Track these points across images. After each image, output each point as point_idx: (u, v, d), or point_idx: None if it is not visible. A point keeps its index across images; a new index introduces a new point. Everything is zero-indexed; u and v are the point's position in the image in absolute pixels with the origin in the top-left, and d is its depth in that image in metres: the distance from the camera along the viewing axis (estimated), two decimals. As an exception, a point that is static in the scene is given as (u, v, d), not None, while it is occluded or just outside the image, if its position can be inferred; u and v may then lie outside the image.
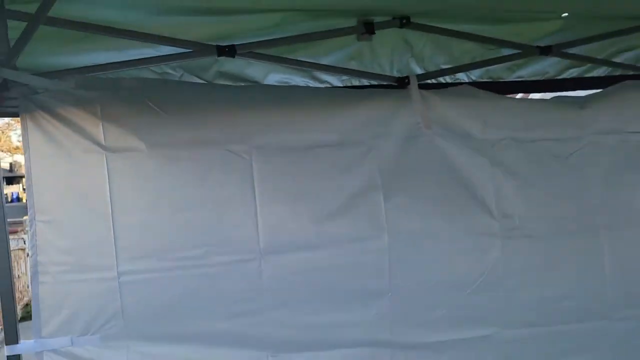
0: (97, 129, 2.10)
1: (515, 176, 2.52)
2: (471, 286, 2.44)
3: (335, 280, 2.35)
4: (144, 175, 2.15)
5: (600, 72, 2.97)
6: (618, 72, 2.97)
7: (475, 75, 2.75)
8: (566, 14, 2.41)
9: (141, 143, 2.14)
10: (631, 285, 2.60)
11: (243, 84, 2.37)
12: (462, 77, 2.72)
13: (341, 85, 2.54)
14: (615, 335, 2.58)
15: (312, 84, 2.48)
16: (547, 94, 2.99)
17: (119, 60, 2.09)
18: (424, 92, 2.46)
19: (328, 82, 2.51)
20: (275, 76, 2.42)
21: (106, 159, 2.12)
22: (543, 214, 2.53)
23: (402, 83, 2.47)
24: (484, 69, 2.70)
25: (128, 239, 2.14)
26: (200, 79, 2.32)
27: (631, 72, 2.95)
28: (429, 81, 2.63)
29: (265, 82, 2.43)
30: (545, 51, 2.58)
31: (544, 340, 2.51)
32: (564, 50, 2.64)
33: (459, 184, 2.46)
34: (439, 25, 2.28)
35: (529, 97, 3.24)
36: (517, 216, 2.50)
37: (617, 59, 2.90)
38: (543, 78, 2.89)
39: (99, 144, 2.11)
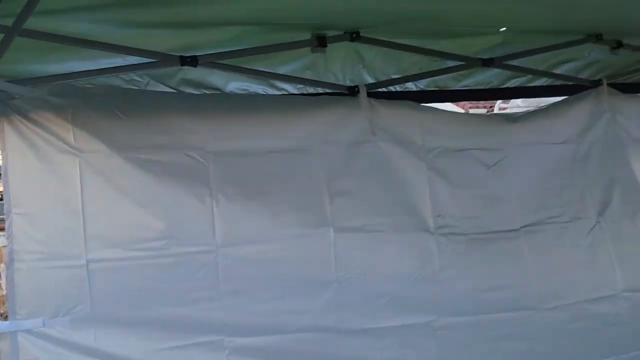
0: (68, 132, 2.33)
1: (448, 180, 2.83)
2: (409, 278, 2.71)
3: (286, 271, 2.60)
4: (110, 174, 2.38)
5: (541, 82, 3.23)
6: (559, 82, 3.25)
7: (422, 84, 2.99)
8: (504, 28, 2.65)
9: (107, 146, 2.37)
10: (554, 278, 2.90)
11: (205, 92, 2.59)
12: (410, 86, 2.97)
13: (297, 92, 2.77)
14: (543, 323, 2.86)
15: (270, 91, 2.72)
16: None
17: (90, 69, 2.30)
18: (372, 100, 2.73)
19: (285, 90, 2.75)
20: (236, 84, 2.64)
21: (76, 159, 2.34)
22: (471, 214, 2.84)
23: (352, 91, 2.71)
24: (431, 78, 2.94)
25: (96, 230, 2.36)
26: (166, 85, 2.53)
27: (571, 83, 3.23)
28: (379, 90, 2.88)
29: (227, 90, 2.65)
30: (488, 63, 2.83)
31: (477, 327, 2.78)
32: (506, 62, 2.89)
33: (399, 186, 2.77)
34: (387, 39, 2.51)
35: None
36: (449, 216, 2.80)
37: (558, 70, 3.16)
38: (487, 87, 3.15)
39: (69, 146, 2.34)
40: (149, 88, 2.51)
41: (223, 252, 2.51)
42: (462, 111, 4.04)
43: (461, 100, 3.15)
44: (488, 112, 6.85)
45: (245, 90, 2.69)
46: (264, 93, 2.73)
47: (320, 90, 2.79)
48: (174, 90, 2.55)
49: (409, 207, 2.77)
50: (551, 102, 3.25)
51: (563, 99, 3.20)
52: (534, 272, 2.88)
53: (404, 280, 2.72)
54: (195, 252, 2.48)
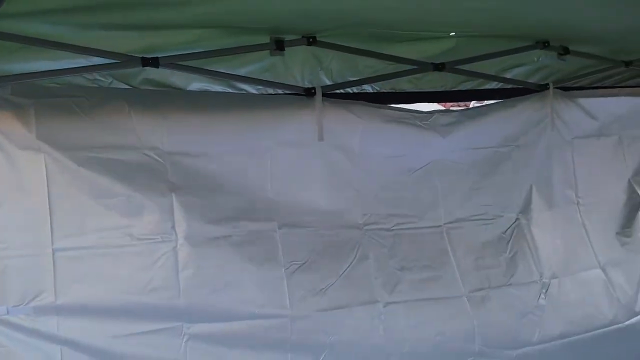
0: (31, 130, 2.43)
1: (377, 184, 3.10)
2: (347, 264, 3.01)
3: (240, 260, 2.79)
4: (73, 169, 2.48)
5: (493, 85, 3.42)
6: (510, 86, 3.44)
7: (379, 86, 3.15)
8: (453, 33, 2.82)
9: (69, 143, 2.48)
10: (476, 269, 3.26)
11: (165, 89, 2.72)
12: (367, 88, 3.13)
13: (256, 92, 2.91)
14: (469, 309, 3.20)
15: (230, 90, 2.84)
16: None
17: (53, 69, 2.39)
18: (327, 102, 2.89)
19: (245, 91, 2.87)
20: (197, 84, 2.77)
21: (41, 154, 2.45)
22: (393, 213, 3.14)
23: (309, 93, 2.86)
24: (386, 81, 3.11)
25: (62, 221, 2.48)
26: (129, 85, 2.64)
27: (521, 86, 3.43)
28: (337, 91, 3.03)
29: (188, 89, 2.77)
30: (439, 67, 2.99)
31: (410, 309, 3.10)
32: (457, 67, 3.07)
33: (335, 187, 3.02)
34: (343, 43, 2.66)
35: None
36: (375, 214, 3.09)
37: (508, 74, 3.35)
38: (442, 89, 3.33)
39: (33, 142, 2.43)
40: (112, 86, 2.62)
41: (182, 243, 2.66)
42: (442, 108, 4.19)
43: (415, 102, 3.29)
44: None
45: (206, 89, 2.82)
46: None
47: (279, 91, 2.92)
48: (134, 88, 2.66)
49: (343, 206, 3.03)
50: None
51: (506, 101, 3.40)
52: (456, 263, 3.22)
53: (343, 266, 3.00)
54: (155, 242, 2.62)
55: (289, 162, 2.90)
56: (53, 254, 2.45)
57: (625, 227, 3.65)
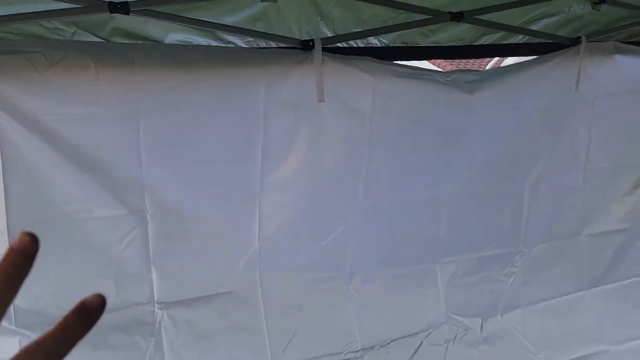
0: None
1: (387, 152, 2.78)
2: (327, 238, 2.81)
3: (211, 235, 2.57)
4: (30, 138, 2.17)
5: (518, 39, 3.07)
6: (536, 40, 3.09)
7: (387, 39, 2.79)
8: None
9: (25, 108, 2.14)
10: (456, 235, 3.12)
11: (138, 42, 2.39)
12: (374, 41, 2.76)
13: (245, 46, 2.58)
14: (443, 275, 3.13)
15: (216, 44, 2.52)
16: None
17: (3, 14, 2.09)
18: (327, 56, 2.52)
19: (233, 43, 2.53)
20: (176, 35, 2.42)
21: None
22: (406, 182, 2.90)
23: (307, 46, 2.52)
24: (396, 33, 2.75)
25: (15, 195, 2.20)
26: (96, 36, 2.32)
27: (549, 41, 3.08)
28: (339, 44, 2.67)
29: (167, 42, 2.44)
30: (457, 17, 2.64)
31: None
32: (477, 17, 2.73)
33: (337, 156, 2.69)
34: (345, -13, 2.34)
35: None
36: (383, 186, 2.82)
37: (535, 27, 3.00)
38: (459, 44, 2.99)
39: None
40: (75, 39, 2.29)
41: (153, 217, 2.42)
42: (437, 69, 3.86)
43: (430, 59, 2.96)
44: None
45: (188, 42, 2.48)
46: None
47: (273, 44, 2.57)
48: (102, 41, 2.34)
49: (342, 180, 2.75)
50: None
51: (533, 59, 3.05)
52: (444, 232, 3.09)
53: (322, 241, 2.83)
54: (122, 215, 2.38)
55: (284, 127, 2.56)
56: (8, 232, 2.18)
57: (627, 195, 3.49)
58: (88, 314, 0.55)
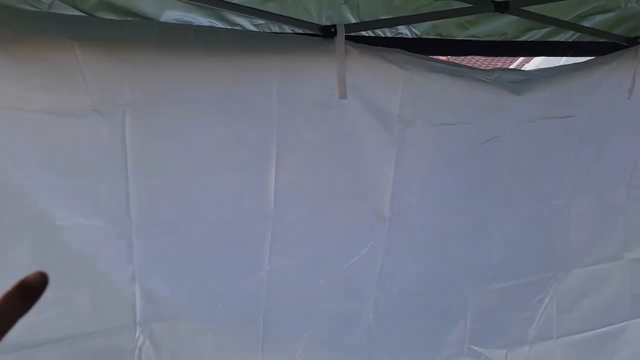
0: None
1: (418, 161, 2.42)
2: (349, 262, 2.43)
3: (212, 256, 2.19)
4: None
5: (566, 36, 2.70)
6: (588, 39, 2.73)
7: (420, 30, 2.43)
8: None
9: None
10: (511, 259, 2.78)
11: (127, 19, 2.00)
12: (404, 31, 2.40)
13: (255, 30, 2.20)
14: (479, 305, 2.77)
15: (220, 25, 2.13)
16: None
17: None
18: (350, 46, 2.14)
19: (240, 26, 2.15)
20: (173, 13, 2.04)
21: None
22: (438, 198, 2.53)
23: (328, 32, 2.12)
24: (430, 23, 2.40)
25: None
26: (77, 9, 1.93)
27: (602, 40, 2.71)
28: (364, 33, 2.31)
29: (162, 20, 2.05)
30: (501, 7, 2.28)
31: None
32: (524, 8, 2.37)
33: (360, 164, 2.30)
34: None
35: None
36: (413, 202, 2.45)
37: (587, 23, 2.64)
38: (500, 39, 2.61)
39: None
40: (53, 10, 1.91)
41: (139, 233, 2.04)
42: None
43: (466, 54, 2.60)
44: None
45: (188, 22, 2.09)
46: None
47: (287, 29, 2.21)
48: (85, 15, 1.95)
49: (366, 190, 2.37)
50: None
51: (589, 60, 2.69)
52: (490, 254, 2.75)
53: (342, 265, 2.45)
54: (104, 228, 1.99)
55: (299, 128, 2.17)
56: None
57: None
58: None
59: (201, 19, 2.09)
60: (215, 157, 2.09)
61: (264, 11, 2.07)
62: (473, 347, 2.82)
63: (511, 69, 2.75)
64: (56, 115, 1.84)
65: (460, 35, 2.52)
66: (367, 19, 2.27)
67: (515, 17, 2.48)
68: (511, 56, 2.73)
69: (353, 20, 2.27)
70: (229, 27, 2.14)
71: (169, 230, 2.08)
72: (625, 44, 2.69)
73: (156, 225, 2.06)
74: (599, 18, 2.62)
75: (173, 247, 2.11)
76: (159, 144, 1.99)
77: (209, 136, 2.05)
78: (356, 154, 2.28)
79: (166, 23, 2.05)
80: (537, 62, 5.55)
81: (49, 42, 1.81)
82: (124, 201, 1.98)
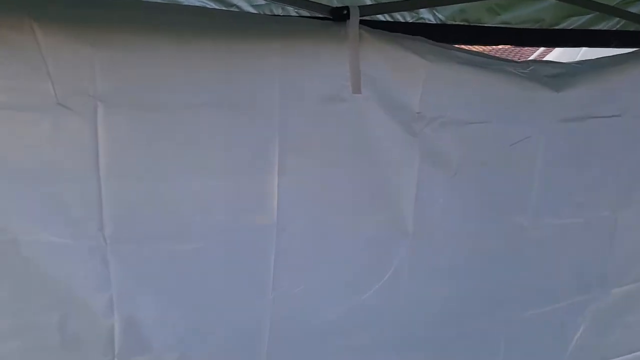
0: None
1: (442, 164, 2.11)
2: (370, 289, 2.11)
3: (204, 278, 1.89)
4: None
5: (610, 24, 2.41)
6: (632, 27, 2.43)
7: (444, 14, 2.16)
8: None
9: None
10: (546, 279, 2.49)
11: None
12: (427, 16, 2.13)
13: (254, 12, 1.91)
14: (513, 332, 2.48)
15: (213, 6, 1.85)
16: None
17: None
18: (365, 32, 1.85)
19: (237, 7, 1.89)
20: (160, -9, 1.77)
21: None
22: (465, 209, 2.21)
23: (339, 15, 1.82)
24: (456, 7, 2.13)
25: None
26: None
27: (649, 29, 2.42)
28: (381, 17, 2.05)
29: (145, -1, 1.78)
30: (541, -11, 2.03)
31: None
32: (565, -10, 2.08)
33: (376, 168, 2.00)
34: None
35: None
36: (437, 212, 2.13)
37: (634, 9, 2.34)
38: (535, 27, 2.33)
39: None
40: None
41: (115, 251, 1.75)
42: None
43: (497, 43, 2.31)
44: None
45: (176, 0, 1.82)
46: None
47: (291, 11, 1.95)
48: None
49: (384, 198, 2.05)
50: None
51: (634, 51, 2.40)
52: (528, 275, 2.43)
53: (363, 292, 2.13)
54: (72, 244, 1.71)
55: (305, 126, 1.88)
56: None
57: None
58: None
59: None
60: (206, 160, 1.79)
61: (265, -11, 1.79)
62: None
63: (548, 61, 2.45)
64: (12, 110, 1.55)
65: (491, 22, 2.25)
66: (384, 1, 1.98)
67: (553, 1, 2.19)
68: (547, 46, 2.46)
69: (368, 2, 2.00)
70: (223, 7, 1.87)
71: (151, 247, 1.78)
72: (677, 33, 2.39)
73: (136, 241, 1.76)
74: (647, 4, 2.32)
75: (157, 267, 1.81)
76: (138, 143, 1.69)
77: (198, 135, 1.75)
78: (372, 156, 1.97)
79: (149, 1, 1.76)
80: (556, 54, 5.13)
81: (4, 23, 1.53)
82: (96, 212, 1.69)
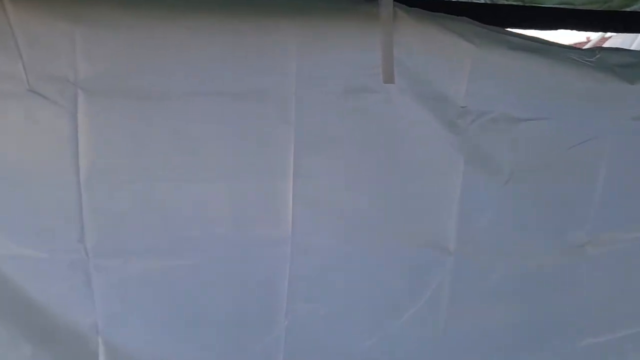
0: None
1: (492, 168, 1.84)
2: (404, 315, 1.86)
3: (203, 301, 1.68)
4: None
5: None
6: None
7: (496, -9, 1.88)
8: None
9: None
10: (609, 305, 2.16)
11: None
12: (474, -6, 1.86)
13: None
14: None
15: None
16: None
17: None
18: (400, 11, 1.61)
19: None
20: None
21: None
22: (517, 223, 1.91)
23: (370, -7, 1.61)
24: (511, -17, 1.84)
25: None
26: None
27: None
28: (419, -5, 1.81)
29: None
30: (613, -40, 1.73)
31: None
32: (642, -38, 1.79)
33: (411, 174, 1.76)
34: None
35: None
36: (484, 227, 1.85)
37: None
38: (602, 8, 2.02)
39: None
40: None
41: (98, 266, 1.54)
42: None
43: (556, 28, 2.03)
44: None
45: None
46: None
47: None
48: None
49: (420, 207, 1.79)
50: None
51: None
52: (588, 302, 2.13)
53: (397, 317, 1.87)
54: (49, 258, 1.52)
55: (326, 121, 1.65)
56: None
57: None
58: None
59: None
60: (207, 161, 1.57)
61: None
62: None
63: (618, 48, 2.13)
64: None
65: (549, 2, 1.94)
66: (424, -25, 1.72)
67: (626, -22, 1.88)
68: (617, 32, 2.13)
69: (405, -24, 1.74)
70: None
71: (140, 263, 1.58)
72: None
73: (122, 255, 1.56)
74: None
75: (148, 287, 1.61)
76: (126, 140, 1.50)
77: (197, 131, 1.54)
78: (406, 159, 1.72)
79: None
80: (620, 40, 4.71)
81: None
82: (76, 220, 1.49)
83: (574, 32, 2.13)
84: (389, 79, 1.62)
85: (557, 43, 1.89)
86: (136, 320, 1.60)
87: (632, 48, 2.26)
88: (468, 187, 1.78)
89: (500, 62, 1.74)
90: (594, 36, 3.31)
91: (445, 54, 1.70)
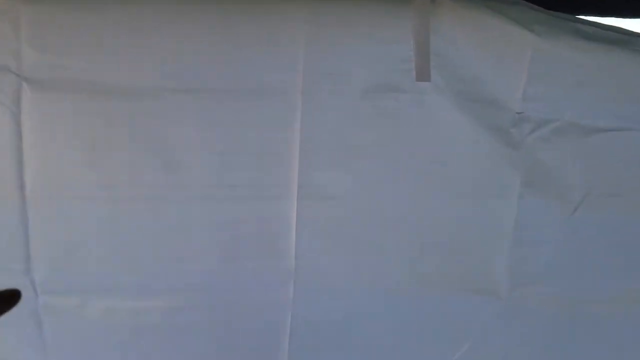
0: None
1: (556, 192, 1.54)
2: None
3: (184, 352, 1.40)
4: None
5: None
6: None
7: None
8: None
9: None
10: None
11: None
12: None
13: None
14: None
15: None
16: None
17: None
18: (441, -1, 1.37)
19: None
20: None
21: None
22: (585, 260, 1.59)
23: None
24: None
25: None
26: None
27: None
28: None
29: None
30: None
31: None
32: None
33: (450, 194, 1.46)
34: None
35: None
36: (544, 263, 1.55)
37: None
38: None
39: None
40: None
41: (50, 304, 1.29)
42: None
43: (629, 15, 1.74)
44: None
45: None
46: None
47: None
48: None
49: (459, 240, 1.50)
50: None
51: None
52: None
53: None
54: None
55: (342, 128, 1.37)
56: None
57: None
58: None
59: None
60: (188, 174, 1.30)
61: None
62: None
63: None
64: None
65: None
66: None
67: None
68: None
69: (446, -49, 1.45)
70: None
71: (103, 302, 1.30)
72: None
73: (80, 292, 1.28)
74: None
75: (113, 334, 1.33)
76: (83, 146, 1.23)
77: (175, 137, 1.26)
78: (444, 176, 1.43)
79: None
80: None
81: None
82: (21, 247, 1.22)
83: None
84: (423, 76, 1.36)
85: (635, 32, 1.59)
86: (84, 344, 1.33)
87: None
88: (525, 216, 1.47)
89: (568, 56, 1.44)
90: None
91: (496, 45, 1.41)
